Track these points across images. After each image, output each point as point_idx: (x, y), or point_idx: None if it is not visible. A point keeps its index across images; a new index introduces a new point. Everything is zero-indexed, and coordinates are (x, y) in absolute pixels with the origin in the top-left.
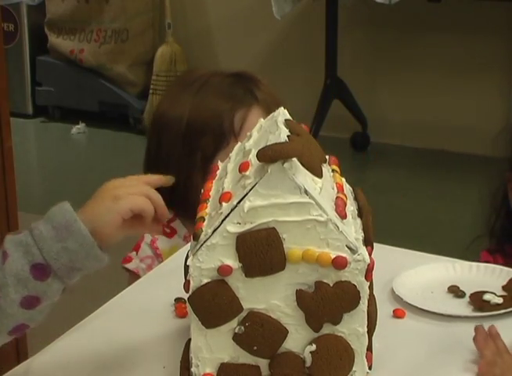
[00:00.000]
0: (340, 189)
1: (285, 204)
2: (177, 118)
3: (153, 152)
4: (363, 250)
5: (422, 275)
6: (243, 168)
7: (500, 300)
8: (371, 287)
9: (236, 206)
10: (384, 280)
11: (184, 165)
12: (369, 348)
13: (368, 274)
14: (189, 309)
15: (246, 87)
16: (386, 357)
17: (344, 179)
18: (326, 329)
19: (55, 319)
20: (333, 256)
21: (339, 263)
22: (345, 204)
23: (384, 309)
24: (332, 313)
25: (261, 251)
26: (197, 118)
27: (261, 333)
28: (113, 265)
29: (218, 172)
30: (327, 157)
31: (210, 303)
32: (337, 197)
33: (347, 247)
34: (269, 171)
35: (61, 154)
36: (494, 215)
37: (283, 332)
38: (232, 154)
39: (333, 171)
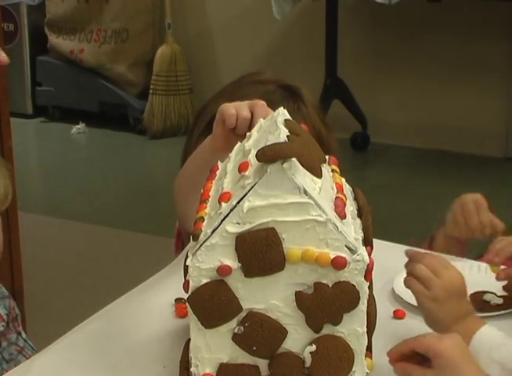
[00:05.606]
0: (340, 189)
1: (284, 204)
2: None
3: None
4: (362, 250)
5: None
6: (242, 168)
7: (500, 300)
8: (370, 287)
9: (235, 206)
10: (384, 279)
11: None
12: (369, 348)
13: (367, 274)
14: (188, 309)
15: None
16: (386, 357)
17: (343, 179)
18: (326, 329)
19: (55, 319)
20: (332, 256)
21: (338, 263)
22: (345, 204)
23: (384, 309)
24: (332, 314)
25: (261, 251)
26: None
27: (260, 333)
28: (114, 267)
29: (217, 172)
30: (327, 157)
31: (209, 303)
32: (336, 197)
33: (347, 248)
34: (269, 171)
35: (61, 154)
36: None
37: (282, 332)
38: (232, 154)
39: (332, 171)
